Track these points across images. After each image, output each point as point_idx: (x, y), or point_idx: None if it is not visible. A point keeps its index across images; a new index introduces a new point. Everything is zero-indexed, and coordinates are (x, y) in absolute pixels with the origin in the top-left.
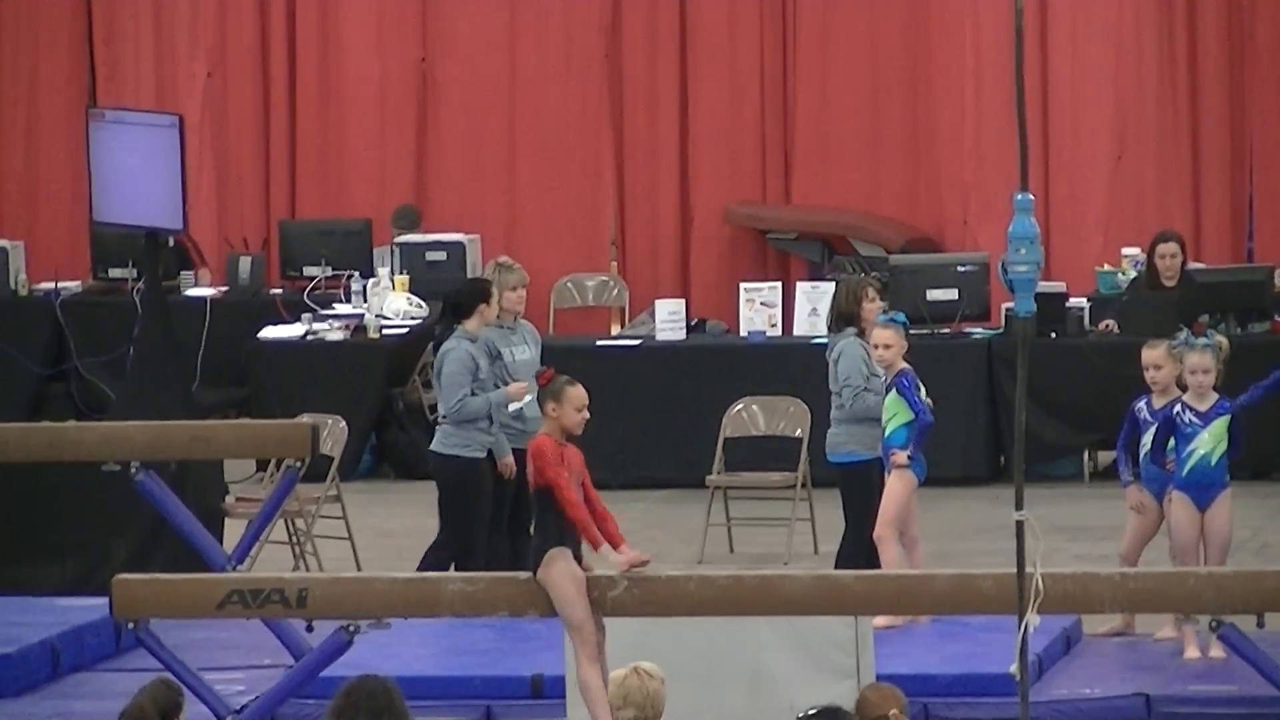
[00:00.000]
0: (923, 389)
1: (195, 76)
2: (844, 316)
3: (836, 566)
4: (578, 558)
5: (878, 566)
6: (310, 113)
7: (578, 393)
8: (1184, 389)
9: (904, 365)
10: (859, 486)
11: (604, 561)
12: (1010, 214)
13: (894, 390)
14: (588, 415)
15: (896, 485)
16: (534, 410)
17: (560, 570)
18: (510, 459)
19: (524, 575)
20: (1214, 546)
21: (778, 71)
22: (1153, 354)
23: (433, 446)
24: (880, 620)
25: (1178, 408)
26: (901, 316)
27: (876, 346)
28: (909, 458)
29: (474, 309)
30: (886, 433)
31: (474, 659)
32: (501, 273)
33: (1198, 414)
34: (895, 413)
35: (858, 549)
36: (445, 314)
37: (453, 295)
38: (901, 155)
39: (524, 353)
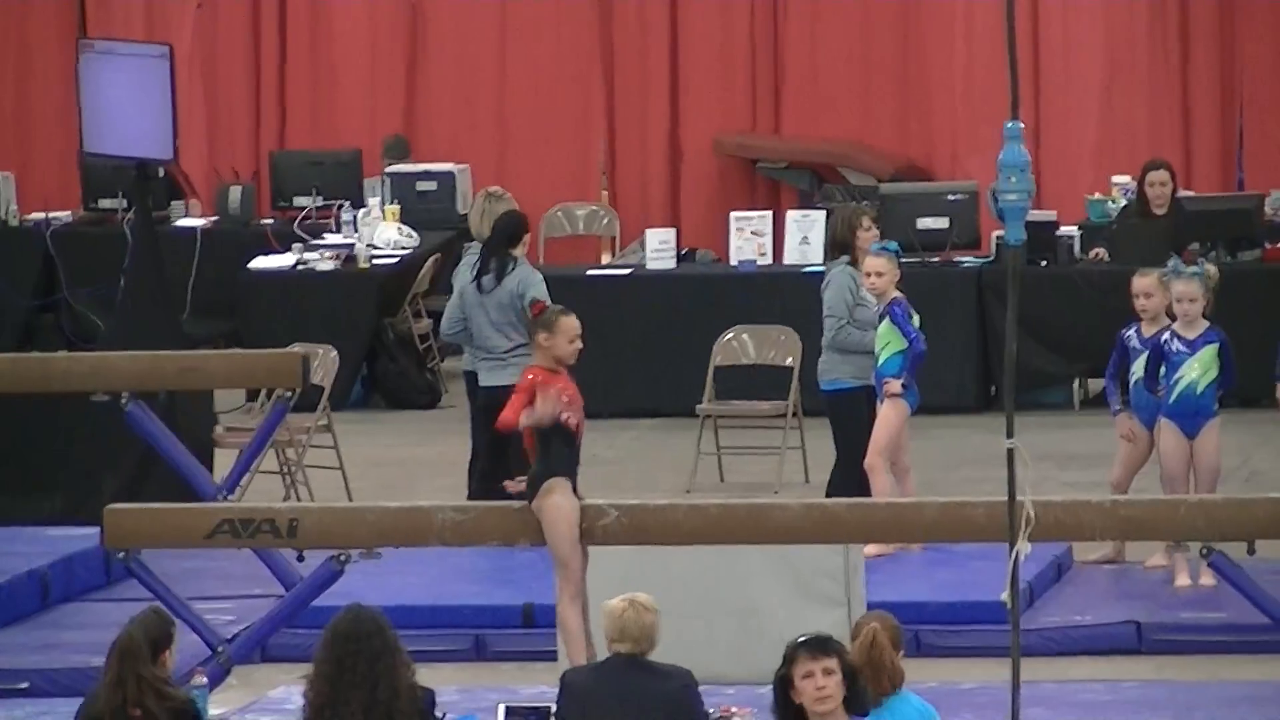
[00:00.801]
0: (916, 317)
1: (185, 6)
2: (838, 244)
3: (827, 495)
4: (575, 489)
5: (868, 494)
6: (300, 43)
7: (570, 322)
8: (1174, 318)
9: (897, 294)
10: (847, 414)
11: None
12: (1000, 142)
13: (886, 319)
14: (580, 345)
15: (889, 413)
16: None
17: (554, 504)
18: None
19: (518, 504)
20: (1202, 474)
21: (768, 0)
22: (1143, 282)
23: None
24: (871, 548)
25: (1166, 335)
26: (894, 245)
27: (869, 275)
28: (902, 386)
29: (519, 239)
30: (879, 361)
31: (465, 588)
32: (490, 202)
33: (1185, 342)
34: (888, 341)
35: (848, 477)
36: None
37: (505, 226)
38: (892, 84)
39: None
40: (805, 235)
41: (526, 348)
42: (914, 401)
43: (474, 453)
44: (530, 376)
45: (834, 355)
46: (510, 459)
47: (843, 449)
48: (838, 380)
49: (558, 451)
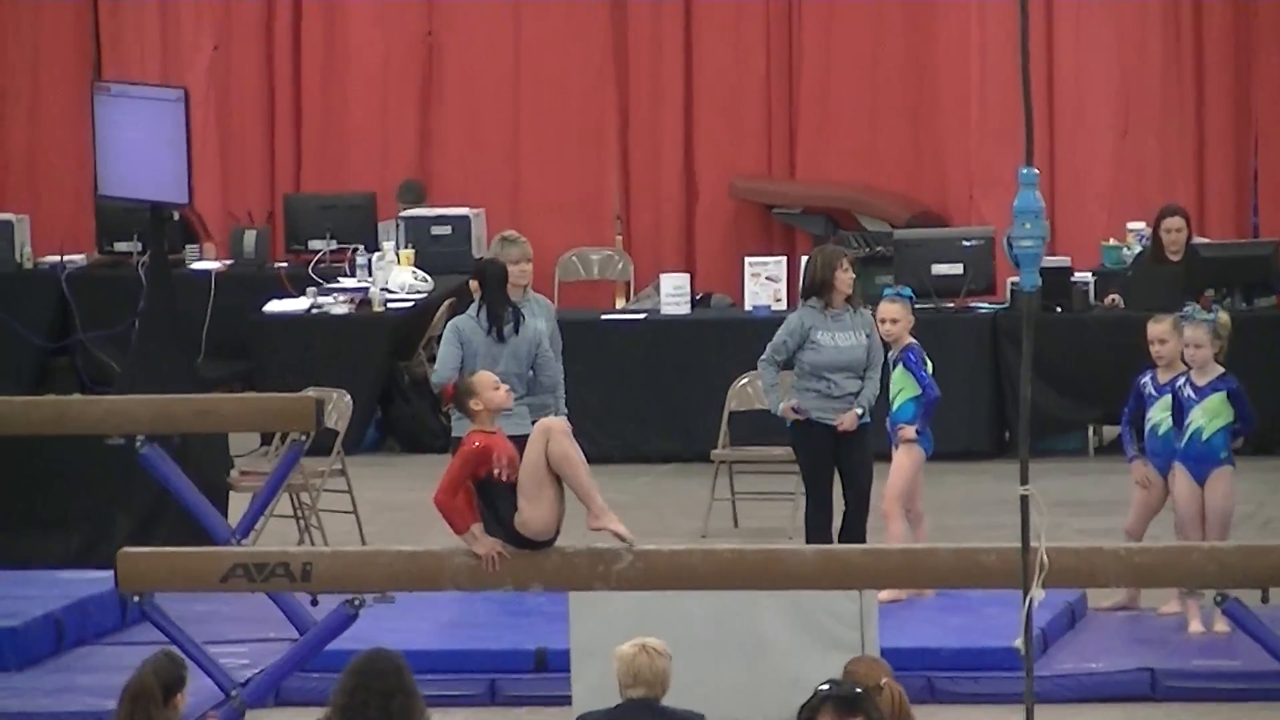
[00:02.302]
0: (929, 364)
1: (200, 50)
2: (815, 284)
3: (806, 530)
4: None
5: (854, 527)
6: (315, 87)
7: (483, 376)
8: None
9: (911, 340)
10: (805, 447)
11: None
12: (1015, 188)
13: (900, 365)
14: (505, 387)
15: (904, 460)
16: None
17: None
18: None
19: (527, 550)
20: (1213, 520)
21: (783, 45)
22: (1158, 328)
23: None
24: (885, 594)
25: (1180, 381)
26: (908, 291)
27: (883, 321)
28: (917, 432)
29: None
30: (894, 408)
31: (478, 633)
32: (504, 246)
33: (1195, 388)
34: (902, 387)
35: (816, 510)
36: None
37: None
38: (906, 129)
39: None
40: None
41: (525, 399)
42: (928, 448)
43: None
44: (477, 444)
45: (792, 391)
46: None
47: (807, 483)
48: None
49: (503, 506)
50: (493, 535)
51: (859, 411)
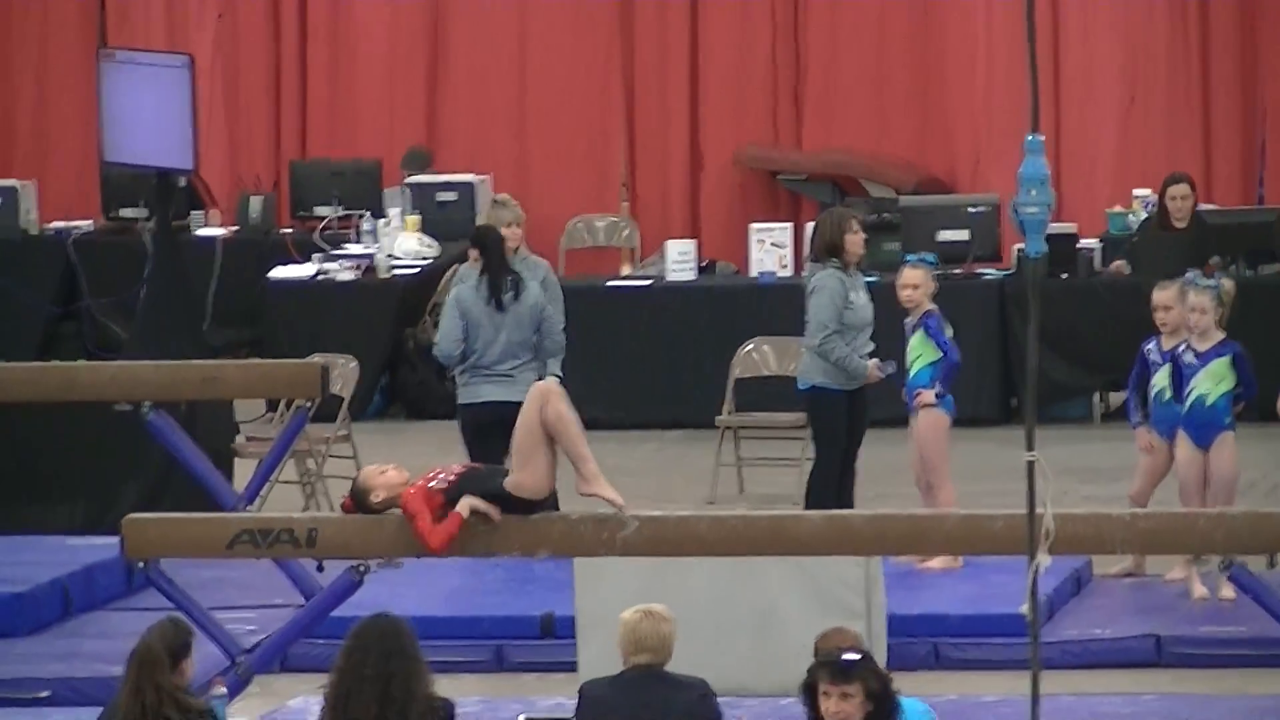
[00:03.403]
0: (949, 329)
1: (206, 17)
2: (828, 247)
3: (806, 495)
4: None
5: (846, 496)
6: (321, 53)
7: (366, 474)
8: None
9: (931, 306)
10: (824, 413)
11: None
12: (1021, 155)
13: (921, 331)
14: (391, 465)
15: (929, 424)
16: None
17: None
18: None
19: (534, 516)
20: (1217, 486)
21: (789, 12)
22: (1163, 295)
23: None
24: (936, 562)
25: (1181, 347)
26: (931, 258)
27: (904, 287)
28: (937, 395)
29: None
30: (911, 373)
31: (484, 599)
32: (495, 209)
33: (1197, 354)
34: (920, 353)
35: (825, 477)
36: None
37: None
38: (912, 97)
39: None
40: None
41: (530, 363)
42: (952, 409)
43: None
44: (413, 493)
45: (814, 357)
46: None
47: (819, 449)
48: (817, 381)
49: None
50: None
51: (892, 368)
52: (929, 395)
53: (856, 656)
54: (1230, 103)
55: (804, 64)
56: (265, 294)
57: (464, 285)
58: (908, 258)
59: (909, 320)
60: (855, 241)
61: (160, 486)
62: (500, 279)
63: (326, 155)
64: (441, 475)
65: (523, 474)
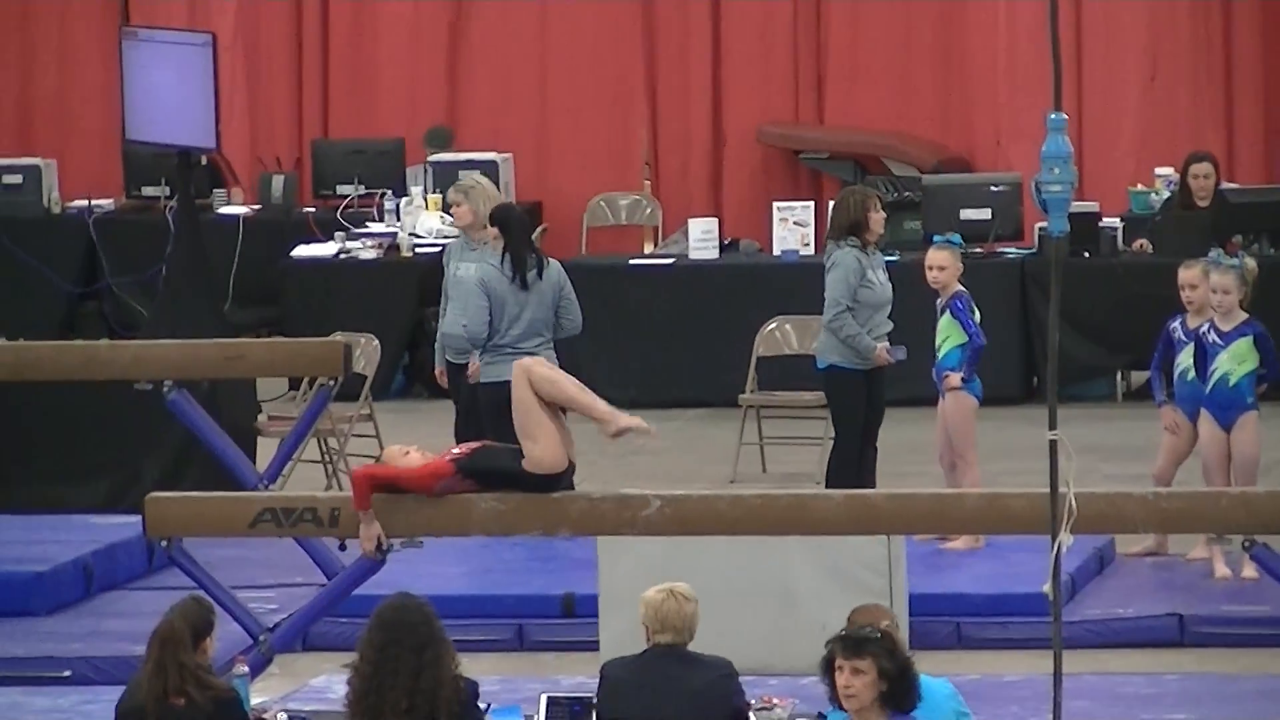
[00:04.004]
0: (977, 312)
1: None
2: (848, 226)
3: (826, 475)
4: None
5: (867, 474)
6: (343, 31)
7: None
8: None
9: (959, 288)
10: (843, 393)
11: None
12: (1043, 133)
13: (948, 313)
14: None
15: (955, 407)
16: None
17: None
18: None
19: (555, 495)
20: (1239, 466)
21: None
22: (1189, 274)
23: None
24: (958, 542)
25: (1204, 327)
26: (958, 238)
27: (930, 268)
28: (963, 379)
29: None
30: (940, 355)
31: (506, 578)
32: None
33: (1220, 333)
34: (948, 335)
35: (844, 457)
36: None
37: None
38: (934, 75)
39: (467, 270)
40: None
41: (550, 341)
42: (978, 392)
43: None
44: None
45: (831, 336)
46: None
47: (838, 428)
48: (834, 360)
49: (505, 463)
50: (511, 492)
51: (901, 354)
52: (955, 379)
53: (871, 632)
54: (1253, 81)
55: (826, 42)
56: (287, 273)
57: (486, 265)
58: (934, 238)
59: (939, 302)
60: (876, 220)
61: (182, 465)
62: (524, 256)
63: (348, 134)
64: (457, 451)
65: (535, 447)
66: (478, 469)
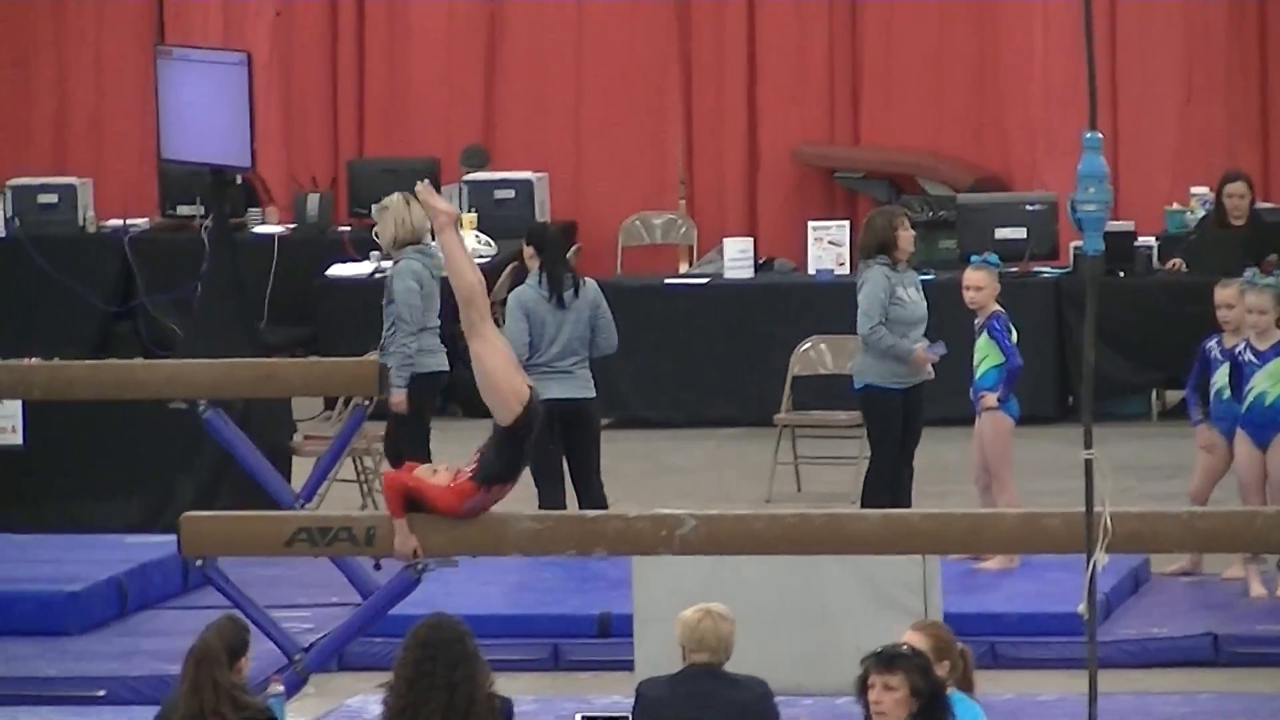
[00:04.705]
0: (1014, 332)
1: (263, 14)
2: (878, 244)
3: (863, 494)
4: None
5: (903, 494)
6: (378, 51)
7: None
8: None
9: (997, 308)
10: (879, 413)
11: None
12: (1079, 153)
13: (985, 333)
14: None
15: (988, 427)
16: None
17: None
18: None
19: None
20: (1274, 485)
21: (846, 9)
22: (1225, 293)
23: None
24: (993, 561)
25: (1240, 346)
26: (995, 258)
27: (967, 288)
28: (999, 400)
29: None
30: (977, 374)
31: (541, 597)
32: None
33: (1256, 353)
34: (986, 355)
35: (879, 476)
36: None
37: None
38: (969, 94)
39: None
40: None
41: (586, 360)
42: (1015, 412)
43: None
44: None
45: (868, 356)
46: (590, 467)
47: (875, 447)
48: (871, 379)
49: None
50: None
51: (941, 349)
52: (992, 399)
53: (905, 649)
54: None
55: (861, 61)
56: (322, 292)
57: (523, 285)
58: (972, 258)
59: (976, 322)
60: (905, 238)
61: (217, 484)
62: (560, 275)
63: (383, 153)
64: (470, 469)
65: (484, 346)
66: (491, 470)
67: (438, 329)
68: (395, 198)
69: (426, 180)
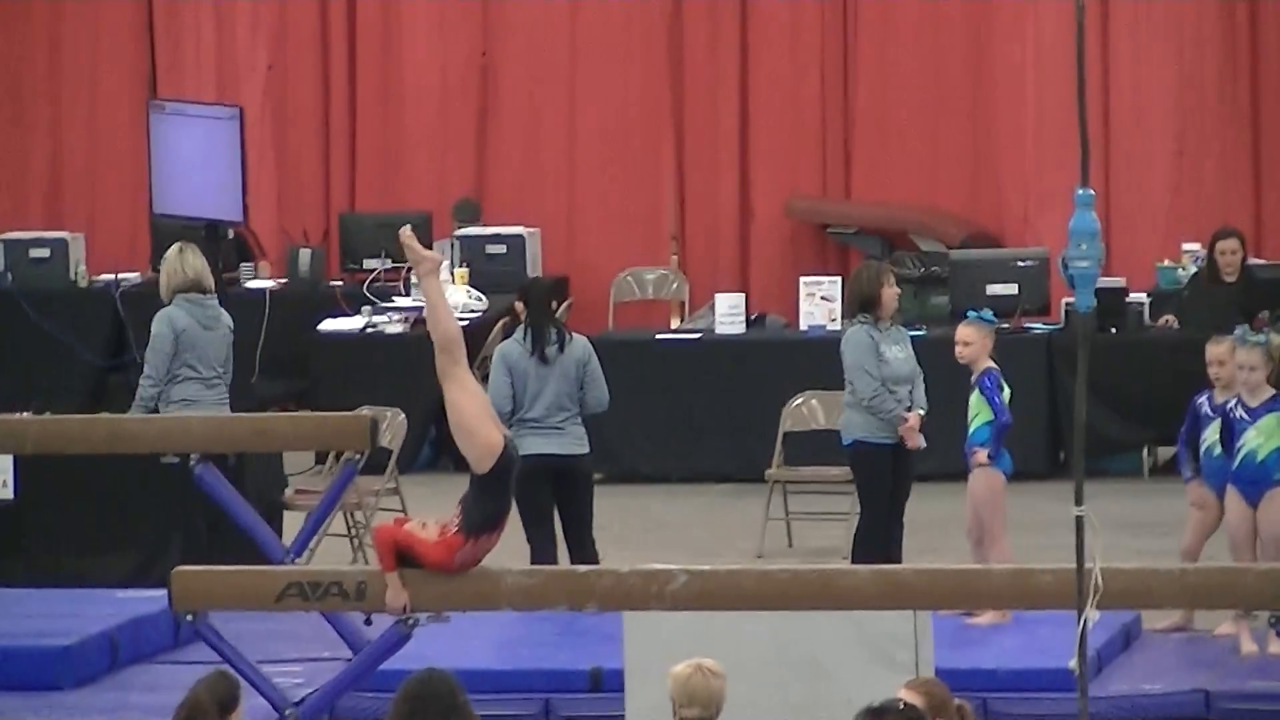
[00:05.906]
0: (1007, 390)
1: (255, 69)
2: (862, 301)
3: (853, 550)
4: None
5: (894, 549)
6: (370, 105)
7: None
8: None
9: (990, 364)
10: (867, 468)
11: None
12: (1071, 209)
13: (977, 390)
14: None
15: (986, 484)
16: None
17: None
18: None
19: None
20: (1268, 543)
21: (838, 64)
22: (1217, 350)
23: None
24: (985, 616)
25: (1231, 402)
26: (989, 315)
27: (957, 344)
28: (990, 456)
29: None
30: (970, 431)
31: (532, 652)
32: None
33: (1247, 409)
34: (978, 411)
35: (870, 532)
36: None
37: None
38: (962, 149)
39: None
40: None
41: (577, 415)
42: (1008, 467)
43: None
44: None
45: (855, 413)
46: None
47: (864, 503)
48: (859, 435)
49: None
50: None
51: (921, 412)
52: (983, 455)
53: (897, 704)
54: (1279, 157)
55: (853, 117)
56: (314, 346)
57: (509, 340)
58: (968, 314)
59: (973, 377)
60: (889, 295)
61: (208, 539)
62: (544, 331)
63: (375, 207)
64: (456, 523)
65: (459, 392)
66: (474, 520)
67: (211, 379)
68: (172, 249)
69: (409, 226)
